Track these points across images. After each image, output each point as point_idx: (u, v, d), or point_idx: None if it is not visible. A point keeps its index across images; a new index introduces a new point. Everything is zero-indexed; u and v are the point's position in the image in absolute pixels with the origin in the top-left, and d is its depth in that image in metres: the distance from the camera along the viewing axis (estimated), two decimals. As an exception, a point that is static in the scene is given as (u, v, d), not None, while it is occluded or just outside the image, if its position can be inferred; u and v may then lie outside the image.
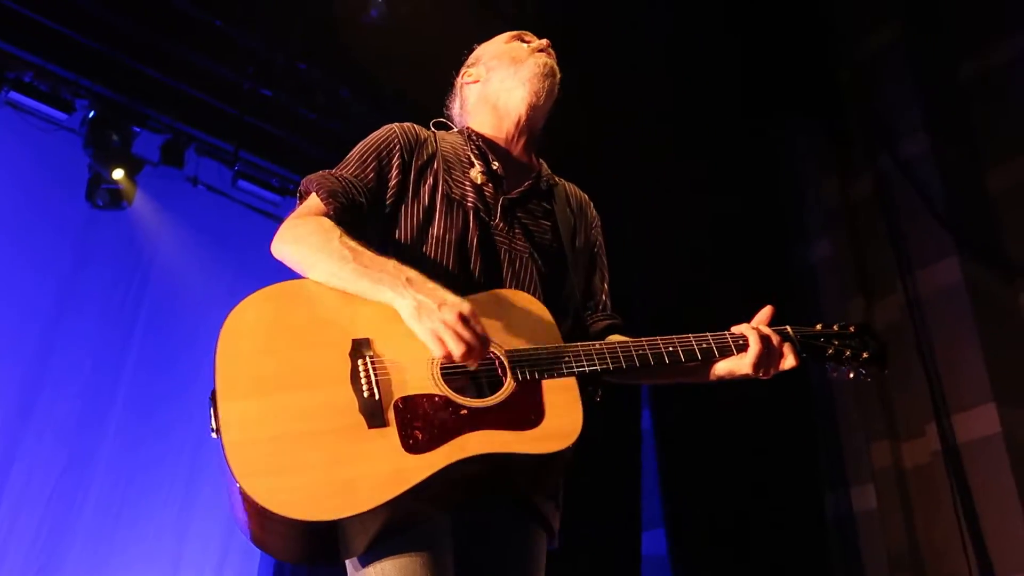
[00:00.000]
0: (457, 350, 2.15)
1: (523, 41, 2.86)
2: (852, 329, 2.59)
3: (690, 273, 6.62)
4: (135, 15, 6.33)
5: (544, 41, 2.85)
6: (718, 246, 6.64)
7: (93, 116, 6.77)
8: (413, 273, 2.26)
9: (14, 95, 6.46)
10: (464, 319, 2.16)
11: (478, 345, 2.16)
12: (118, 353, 7.01)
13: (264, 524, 2.05)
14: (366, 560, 2.18)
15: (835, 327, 2.59)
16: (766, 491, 6.28)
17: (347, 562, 2.25)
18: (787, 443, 6.51)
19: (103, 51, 6.45)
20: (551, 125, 2.87)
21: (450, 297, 2.20)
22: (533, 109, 2.75)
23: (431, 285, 2.23)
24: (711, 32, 6.59)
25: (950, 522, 5.72)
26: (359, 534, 2.12)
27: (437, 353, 2.18)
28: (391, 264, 2.28)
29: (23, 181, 6.70)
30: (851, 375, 2.58)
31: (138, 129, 6.97)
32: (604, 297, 2.82)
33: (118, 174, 6.94)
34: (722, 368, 2.49)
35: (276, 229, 2.49)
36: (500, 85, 2.79)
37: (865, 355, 2.55)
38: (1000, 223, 6.20)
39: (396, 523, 2.12)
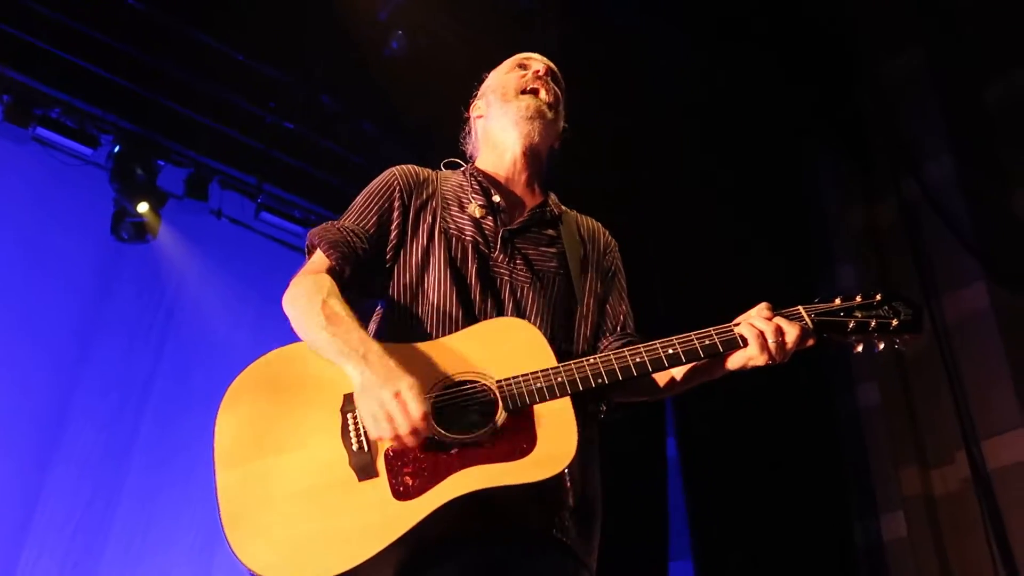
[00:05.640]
0: (384, 433, 2.14)
1: (522, 67, 2.84)
2: (878, 297, 2.43)
3: (715, 297, 6.54)
4: (159, 51, 6.42)
5: (539, 68, 2.80)
6: (741, 274, 6.57)
7: (118, 151, 6.85)
8: (374, 347, 2.24)
9: (41, 131, 6.56)
10: (400, 402, 2.12)
11: (407, 430, 2.12)
12: (143, 385, 7.05)
13: None
14: None
15: (857, 298, 2.43)
16: (795, 519, 6.20)
17: None
18: (815, 471, 6.44)
19: (128, 87, 6.54)
20: (572, 153, 2.84)
21: (395, 377, 2.17)
22: (528, 148, 2.74)
23: (388, 363, 2.20)
24: (731, 59, 6.58)
25: (982, 549, 5.63)
26: None
27: (372, 435, 2.18)
28: (356, 336, 2.27)
29: (49, 215, 6.77)
30: (881, 346, 2.43)
31: (162, 163, 7.05)
32: (623, 318, 2.73)
33: (143, 207, 7.01)
34: (735, 361, 2.39)
35: (299, 260, 2.56)
36: (496, 123, 2.80)
37: (894, 323, 2.40)
38: (1027, 246, 6.12)
39: (404, 569, 2.13)
